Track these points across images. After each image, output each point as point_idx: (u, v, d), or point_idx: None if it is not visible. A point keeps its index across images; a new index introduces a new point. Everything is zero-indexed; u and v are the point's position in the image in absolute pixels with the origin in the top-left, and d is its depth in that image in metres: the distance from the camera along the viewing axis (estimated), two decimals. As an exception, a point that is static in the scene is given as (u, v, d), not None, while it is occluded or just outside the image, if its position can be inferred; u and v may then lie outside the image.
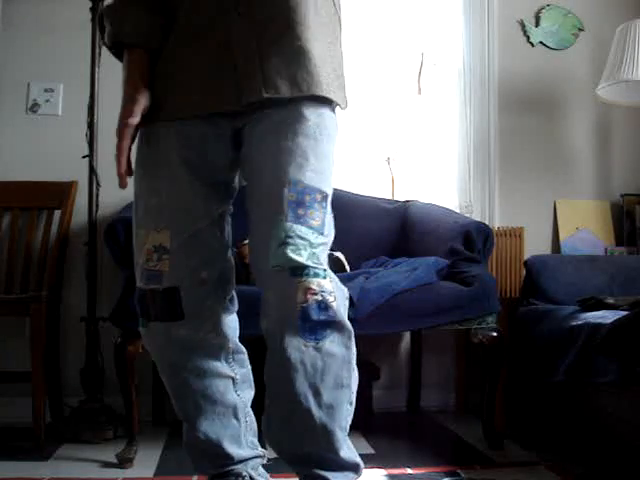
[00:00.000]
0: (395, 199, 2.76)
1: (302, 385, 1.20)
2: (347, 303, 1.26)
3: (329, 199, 1.26)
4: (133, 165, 1.35)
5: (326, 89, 1.28)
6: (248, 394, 1.40)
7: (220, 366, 1.34)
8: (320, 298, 1.18)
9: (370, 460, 1.95)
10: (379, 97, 2.87)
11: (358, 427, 2.28)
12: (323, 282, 1.19)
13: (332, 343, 1.21)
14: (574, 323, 2.01)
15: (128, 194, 2.42)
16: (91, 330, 2.30)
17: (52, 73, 2.61)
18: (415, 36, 2.89)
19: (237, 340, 1.39)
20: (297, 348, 1.19)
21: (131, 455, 1.92)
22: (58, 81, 2.61)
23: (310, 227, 1.21)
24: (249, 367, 1.40)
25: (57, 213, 2.48)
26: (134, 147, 1.37)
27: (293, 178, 1.22)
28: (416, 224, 2.54)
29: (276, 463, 1.40)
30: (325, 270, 1.21)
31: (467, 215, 2.69)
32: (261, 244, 1.23)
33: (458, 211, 2.75)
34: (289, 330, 1.18)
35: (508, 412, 2.32)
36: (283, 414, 1.24)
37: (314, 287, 1.18)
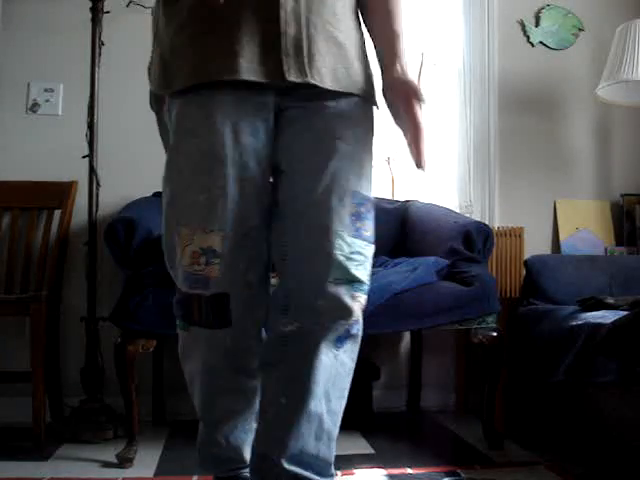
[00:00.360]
0: (395, 199, 2.76)
1: (321, 390, 1.22)
2: None
3: None
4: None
5: (373, 89, 1.28)
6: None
7: (254, 371, 1.31)
8: (360, 315, 1.23)
9: (370, 460, 1.96)
10: (379, 97, 2.86)
11: (358, 427, 2.29)
12: (365, 298, 1.24)
13: (345, 353, 1.24)
14: (574, 323, 2.01)
15: (128, 194, 2.45)
16: (91, 330, 2.30)
17: (52, 73, 2.61)
18: (415, 36, 2.89)
19: None
20: (327, 354, 1.22)
21: (131, 455, 1.92)
22: (58, 81, 2.61)
23: (364, 239, 1.22)
24: None
25: (57, 213, 2.48)
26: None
27: (353, 189, 1.20)
28: (416, 224, 2.54)
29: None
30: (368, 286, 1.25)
31: (467, 215, 2.69)
32: (314, 252, 1.19)
33: (458, 211, 2.75)
34: (330, 337, 1.21)
35: (508, 412, 2.32)
36: (296, 415, 1.21)
37: (364, 303, 1.23)
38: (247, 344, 1.28)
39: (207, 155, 1.17)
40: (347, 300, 1.19)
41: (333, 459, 1.27)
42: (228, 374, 1.30)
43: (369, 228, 1.23)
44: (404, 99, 1.25)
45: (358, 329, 1.24)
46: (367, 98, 1.28)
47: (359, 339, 1.26)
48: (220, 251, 1.16)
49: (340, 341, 1.22)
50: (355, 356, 1.27)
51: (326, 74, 1.19)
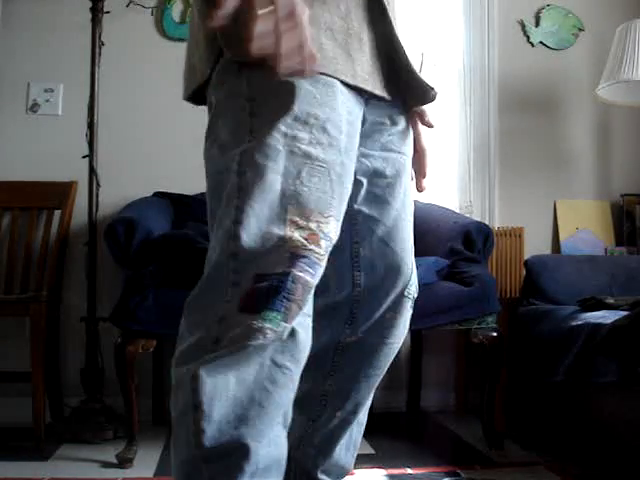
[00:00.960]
0: (395, 199, 2.76)
1: (367, 406, 1.27)
2: None
3: None
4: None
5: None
6: None
7: None
8: None
9: (370, 460, 1.96)
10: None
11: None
12: None
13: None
14: (574, 323, 2.01)
15: (128, 194, 2.45)
16: (91, 330, 2.30)
17: (52, 73, 2.61)
18: (415, 36, 2.88)
19: None
20: (382, 373, 1.26)
21: (131, 455, 1.92)
22: (58, 81, 2.61)
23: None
24: None
25: (57, 213, 2.48)
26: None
27: (411, 203, 1.26)
28: (416, 224, 2.51)
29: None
30: None
31: (467, 215, 2.69)
32: (389, 267, 1.18)
33: (458, 211, 2.75)
34: (391, 356, 1.25)
35: (508, 412, 2.32)
36: (344, 430, 1.25)
37: None
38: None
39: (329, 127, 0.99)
40: (409, 318, 1.22)
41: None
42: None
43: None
44: (411, 120, 1.25)
45: None
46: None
47: None
48: (334, 239, 0.98)
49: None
50: None
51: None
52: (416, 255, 2.38)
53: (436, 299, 2.02)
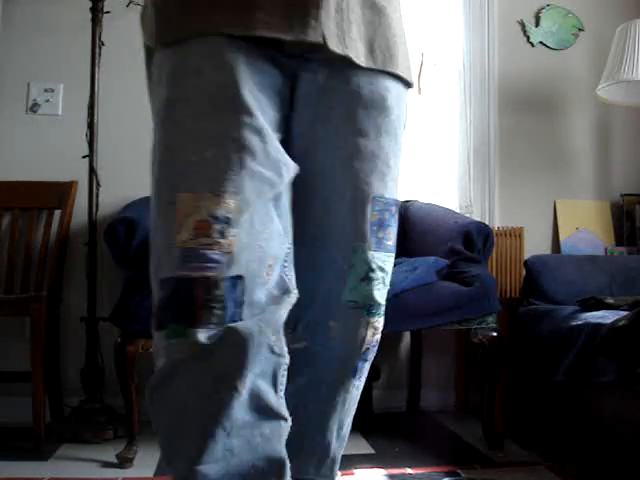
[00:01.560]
0: (395, 199, 2.76)
1: (334, 421, 1.11)
2: None
3: None
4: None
5: (408, 69, 1.07)
6: None
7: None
8: (378, 337, 1.09)
9: (370, 460, 1.95)
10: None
11: (358, 427, 2.29)
12: (382, 320, 1.10)
13: (360, 379, 1.13)
14: (574, 323, 2.01)
15: (128, 194, 2.45)
16: (91, 330, 2.30)
17: (52, 73, 2.61)
18: (415, 36, 2.89)
19: None
20: (346, 389, 1.10)
21: (131, 455, 1.92)
22: (58, 81, 2.61)
23: (386, 251, 1.08)
24: None
25: (57, 213, 2.48)
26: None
27: (376, 193, 1.02)
28: (416, 224, 2.54)
29: None
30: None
31: (467, 215, 2.69)
32: (329, 271, 1.04)
33: (458, 211, 2.74)
34: (346, 370, 1.08)
35: (508, 412, 2.32)
36: (298, 445, 1.03)
37: (379, 326, 1.09)
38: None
39: (215, 98, 0.90)
40: (361, 330, 1.05)
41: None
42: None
43: (392, 236, 1.08)
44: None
45: (373, 353, 1.10)
46: (404, 79, 1.07)
47: (372, 358, 1.14)
48: (235, 219, 0.87)
49: (360, 371, 1.09)
50: (367, 372, 1.15)
51: (361, 47, 0.98)
52: (416, 255, 2.39)
53: (436, 299, 2.02)
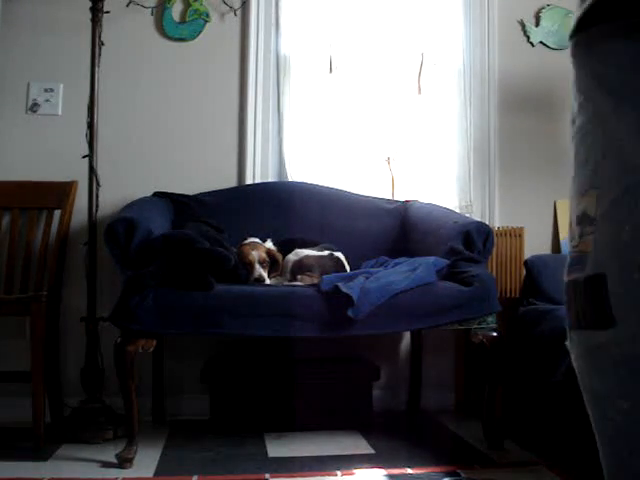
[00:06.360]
0: (395, 199, 2.76)
1: None
2: None
3: None
4: None
5: None
6: None
7: None
8: None
9: (370, 460, 1.95)
10: (379, 97, 2.86)
11: (358, 427, 2.29)
12: None
13: None
14: (574, 323, 2.00)
15: (128, 194, 2.45)
16: (91, 330, 2.30)
17: (52, 73, 2.61)
18: (415, 36, 2.89)
19: None
20: None
21: (131, 455, 1.92)
22: (58, 81, 2.61)
23: None
24: None
25: (57, 213, 2.48)
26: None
27: None
28: (416, 224, 2.54)
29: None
30: None
31: (467, 215, 2.69)
32: None
33: (458, 211, 2.74)
34: None
35: (508, 412, 2.32)
36: None
37: None
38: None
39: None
40: None
41: None
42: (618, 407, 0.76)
43: None
44: None
45: None
46: None
47: None
48: (593, 215, 0.77)
49: None
50: None
51: None
52: (416, 255, 2.39)
53: (436, 299, 2.02)
